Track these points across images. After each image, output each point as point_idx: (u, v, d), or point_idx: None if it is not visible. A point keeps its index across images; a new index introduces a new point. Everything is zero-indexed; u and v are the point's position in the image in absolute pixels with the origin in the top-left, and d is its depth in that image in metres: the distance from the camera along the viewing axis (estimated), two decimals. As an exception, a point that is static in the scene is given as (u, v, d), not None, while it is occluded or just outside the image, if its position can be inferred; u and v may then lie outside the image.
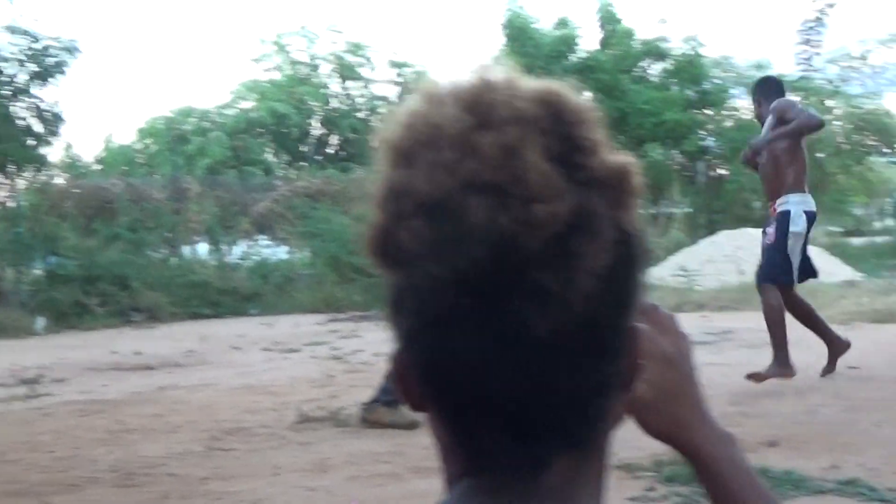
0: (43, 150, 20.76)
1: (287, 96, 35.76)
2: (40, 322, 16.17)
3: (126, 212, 19.56)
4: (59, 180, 22.09)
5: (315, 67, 37.83)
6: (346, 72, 37.38)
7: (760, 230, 9.20)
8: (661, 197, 28.56)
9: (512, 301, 0.81)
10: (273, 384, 9.36)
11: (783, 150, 8.65)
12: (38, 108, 20.14)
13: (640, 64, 31.29)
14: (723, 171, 29.91)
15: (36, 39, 19.99)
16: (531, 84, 0.87)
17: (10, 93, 19.86)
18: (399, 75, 37.83)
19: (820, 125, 8.97)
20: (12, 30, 19.92)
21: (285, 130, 35.27)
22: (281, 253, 22.52)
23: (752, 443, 6.16)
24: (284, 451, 6.51)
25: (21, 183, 20.39)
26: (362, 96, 37.84)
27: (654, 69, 31.61)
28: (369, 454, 6.28)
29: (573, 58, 30.42)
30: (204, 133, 33.77)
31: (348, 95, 37.83)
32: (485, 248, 0.80)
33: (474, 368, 0.83)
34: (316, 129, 36.96)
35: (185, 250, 20.79)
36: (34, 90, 20.04)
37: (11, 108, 19.72)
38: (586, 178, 0.83)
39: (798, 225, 8.50)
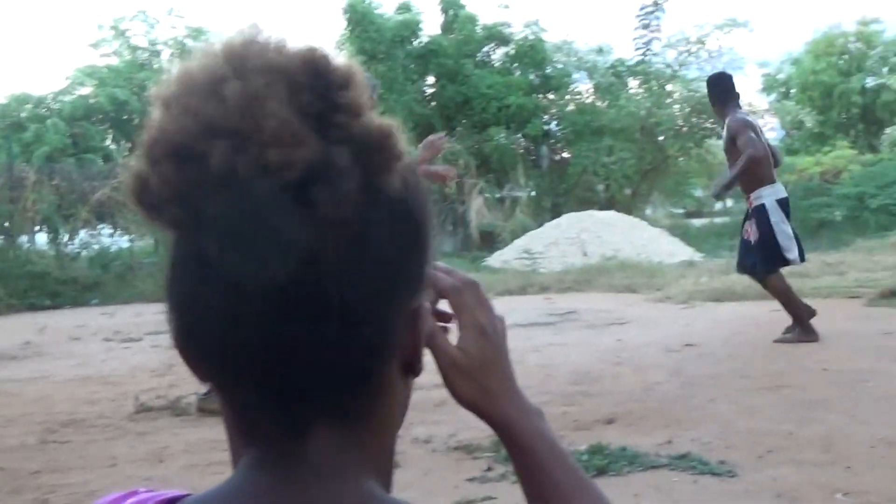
0: None
1: (127, 82, 35.14)
2: None
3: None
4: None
5: (156, 53, 37.26)
6: (188, 57, 36.83)
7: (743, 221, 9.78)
8: (505, 180, 28.85)
9: (249, 246, 0.81)
10: (112, 374, 9.22)
11: (736, 151, 9.42)
12: None
13: (483, 49, 31.55)
14: (566, 155, 30.33)
15: None
16: (298, 46, 0.88)
17: None
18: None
19: (758, 160, 9.44)
20: None
21: (126, 117, 34.65)
22: (122, 241, 22.15)
23: (589, 421, 6.30)
24: (121, 441, 6.42)
25: None
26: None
27: (497, 54, 31.91)
28: (207, 442, 6.23)
29: (416, 43, 30.50)
30: (41, 120, 32.98)
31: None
32: (223, 191, 0.80)
33: (218, 322, 0.84)
34: (158, 115, 36.40)
35: (23, 240, 20.30)
36: None
37: None
38: (341, 136, 0.84)
39: (776, 214, 9.32)
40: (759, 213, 9.38)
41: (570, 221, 22.62)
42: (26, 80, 70.26)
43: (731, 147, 9.47)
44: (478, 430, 6.18)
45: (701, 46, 32.11)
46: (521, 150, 29.93)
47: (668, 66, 31.74)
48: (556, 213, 26.32)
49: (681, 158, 31.59)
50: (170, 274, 0.87)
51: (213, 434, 6.44)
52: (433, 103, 30.51)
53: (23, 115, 33.86)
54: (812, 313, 9.32)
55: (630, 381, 7.68)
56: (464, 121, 29.96)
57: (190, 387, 7.99)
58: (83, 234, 21.47)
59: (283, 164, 0.81)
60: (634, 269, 17.45)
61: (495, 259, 21.52)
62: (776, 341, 9.25)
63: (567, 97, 31.37)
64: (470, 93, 29.55)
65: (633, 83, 31.82)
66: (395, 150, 0.87)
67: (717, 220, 31.16)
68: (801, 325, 9.23)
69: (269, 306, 0.82)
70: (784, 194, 9.61)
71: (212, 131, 0.82)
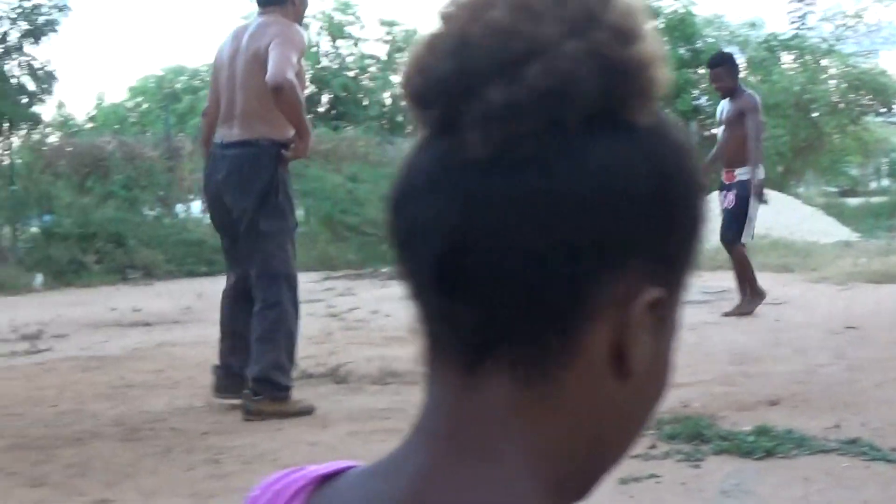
0: (36, 109, 20.72)
1: (279, 55, 35.62)
2: (38, 279, 16.21)
3: (119, 170, 19.53)
4: (53, 139, 22.05)
5: (305, 26, 37.66)
6: (336, 31, 37.23)
7: (720, 192, 10.51)
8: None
9: (462, 111, 0.78)
10: (271, 341, 9.39)
11: (741, 126, 10.07)
12: (30, 66, 20.08)
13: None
14: (716, 131, 29.91)
15: (26, -3, 19.92)
16: None
17: (3, 51, 19.80)
18: (388, 34, 37.71)
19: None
20: (3, -11, 19.85)
21: (277, 89, 35.14)
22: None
23: (751, 402, 6.23)
24: (285, 406, 6.55)
25: (15, 141, 20.36)
26: (352, 55, 37.71)
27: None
28: (369, 410, 6.33)
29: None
30: (195, 91, 33.65)
31: (338, 54, 37.70)
32: (453, 53, 0.79)
33: (420, 193, 0.80)
34: (306, 87, 36.87)
35: (179, 209, 20.79)
36: (26, 48, 19.99)
37: (4, 67, 19.66)
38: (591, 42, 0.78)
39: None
40: (741, 188, 10.15)
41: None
42: (181, 52, 71.81)
43: (735, 119, 10.05)
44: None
45: (859, 20, 31.31)
46: (671, 126, 29.59)
47: (824, 40, 30.99)
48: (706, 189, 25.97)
49: (836, 136, 30.89)
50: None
51: (374, 402, 6.55)
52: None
53: (177, 86, 34.61)
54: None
55: (792, 362, 7.57)
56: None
57: (348, 355, 8.13)
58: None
59: (509, 30, 0.77)
60: (788, 249, 17.13)
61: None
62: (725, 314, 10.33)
63: (718, 72, 30.90)
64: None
65: (786, 58, 31.20)
66: (651, 85, 0.79)
67: (874, 199, 30.41)
68: (751, 291, 10.37)
69: (471, 179, 0.78)
70: (763, 176, 10.39)
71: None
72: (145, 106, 34.86)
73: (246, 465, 5.16)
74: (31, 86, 20.11)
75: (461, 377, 0.79)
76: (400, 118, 35.74)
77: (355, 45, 37.62)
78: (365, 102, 35.66)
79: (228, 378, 6.44)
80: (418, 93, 0.81)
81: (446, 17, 0.81)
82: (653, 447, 5.29)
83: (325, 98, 36.44)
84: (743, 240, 10.36)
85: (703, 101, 30.57)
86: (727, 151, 10.28)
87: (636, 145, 0.79)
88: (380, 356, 8.18)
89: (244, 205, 6.28)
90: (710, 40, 31.14)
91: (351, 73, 36.59)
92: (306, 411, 6.25)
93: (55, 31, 20.04)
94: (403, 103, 0.85)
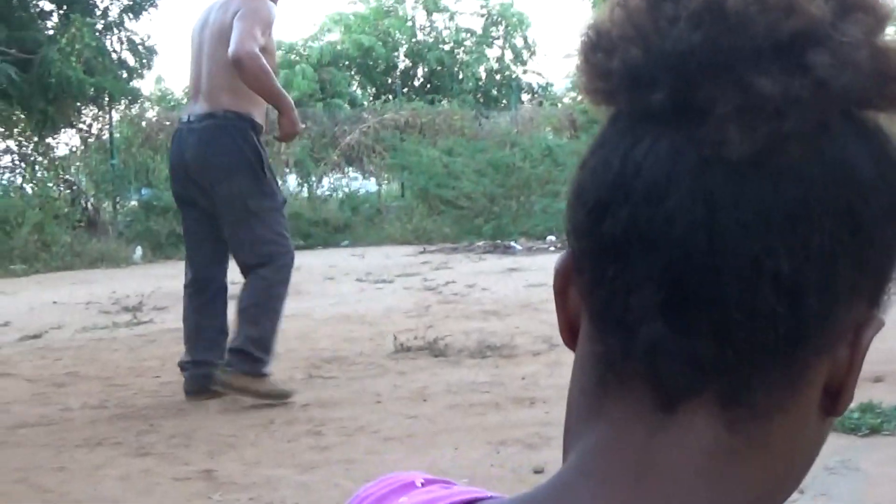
0: (135, 84, 20.99)
1: (372, 29, 35.70)
2: (138, 252, 16.46)
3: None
4: (151, 113, 22.31)
5: (401, 0, 37.70)
6: (431, 4, 37.20)
7: None
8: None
9: (713, 99, 0.63)
10: (368, 314, 9.45)
11: None
12: (130, 41, 20.34)
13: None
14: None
15: (128, -27, 20.16)
16: None
17: (103, 26, 20.07)
18: (484, 7, 37.58)
19: None
20: (105, -37, 20.12)
21: (371, 63, 35.22)
22: (370, 185, 22.63)
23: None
24: (383, 379, 6.58)
25: (115, 116, 20.63)
26: (447, 28, 37.65)
27: None
28: (468, 384, 6.32)
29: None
30: (290, 66, 33.81)
31: (433, 28, 37.67)
32: (699, 23, 0.64)
33: (647, 194, 0.65)
34: (402, 61, 36.89)
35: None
36: (127, 24, 20.24)
37: (105, 42, 19.93)
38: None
39: None
40: None
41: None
42: (278, 27, 72.27)
43: None
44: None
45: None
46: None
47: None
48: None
49: None
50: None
51: (473, 376, 6.54)
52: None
53: (274, 60, 34.82)
54: None
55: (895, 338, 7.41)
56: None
57: (446, 328, 8.14)
58: (334, 177, 22.05)
59: (786, 3, 0.63)
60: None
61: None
62: None
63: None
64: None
65: None
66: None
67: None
68: None
69: (726, 180, 0.64)
70: None
71: None
72: (242, 80, 35.17)
73: (347, 437, 5.18)
74: (130, 61, 20.38)
75: (655, 415, 0.67)
76: (494, 92, 35.67)
77: (451, 18, 37.56)
78: (460, 76, 35.62)
79: (198, 379, 6.03)
80: (634, 67, 0.66)
81: None
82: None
83: (420, 72, 36.46)
84: None
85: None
86: None
87: (883, 154, 0.68)
88: (478, 330, 8.18)
89: (229, 186, 5.93)
90: None
91: (446, 47, 36.54)
92: (281, 395, 5.94)
93: (155, 6, 20.28)
94: (587, 76, 0.69)
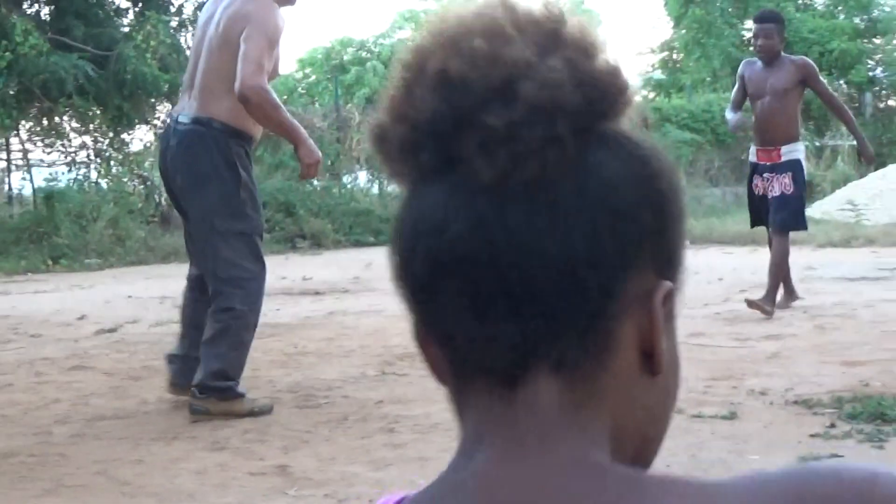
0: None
1: (444, 25, 35.75)
2: (210, 247, 16.55)
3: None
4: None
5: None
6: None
7: (756, 174, 9.04)
8: (826, 129, 27.92)
9: (460, 145, 0.82)
10: (440, 311, 9.44)
11: (796, 97, 8.86)
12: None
13: (806, -9, 30.49)
14: (892, 103, 29.03)
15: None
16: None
17: (178, 23, 20.25)
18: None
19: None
20: (180, -39, 20.29)
21: (442, 60, 35.28)
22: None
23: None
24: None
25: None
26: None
27: (821, -4, 30.80)
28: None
29: (735, -15, 29.73)
30: (362, 63, 33.94)
31: (505, 25, 37.63)
32: (436, 93, 0.83)
33: (432, 231, 0.84)
34: (279, 75, 36.84)
35: (347, 179, 21.06)
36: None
37: (179, 39, 20.10)
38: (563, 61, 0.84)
39: (805, 172, 9.04)
40: (797, 169, 8.77)
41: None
42: (350, 24, 72.53)
43: (790, 88, 8.70)
44: (815, 384, 6.04)
45: None
46: (844, 98, 28.84)
47: None
48: (880, 163, 25.27)
49: None
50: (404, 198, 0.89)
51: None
52: (752, 48, 29.68)
53: (345, 57, 34.96)
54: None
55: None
56: (783, 66, 29.07)
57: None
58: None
59: (491, 57, 0.82)
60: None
61: (815, 210, 20.82)
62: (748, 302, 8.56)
63: (895, 42, 29.97)
64: (791, 37, 28.53)
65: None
66: (624, 92, 0.86)
67: None
68: (771, 293, 8.64)
69: (485, 206, 0.82)
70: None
71: (441, 46, 0.86)
72: (313, 77, 35.26)
73: (421, 434, 5.19)
74: (204, 57, 20.51)
75: (502, 393, 0.85)
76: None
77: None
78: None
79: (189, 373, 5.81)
80: (404, 141, 0.85)
81: (417, 59, 0.86)
82: (832, 426, 5.16)
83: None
84: (807, 227, 9.34)
85: (879, 71, 29.66)
86: (772, 125, 8.77)
87: (624, 153, 0.86)
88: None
89: (199, 200, 5.71)
90: (886, 9, 30.21)
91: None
92: (263, 411, 5.67)
93: (229, 3, 20.40)
94: (381, 160, 0.89)
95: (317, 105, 26.58)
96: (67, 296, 11.46)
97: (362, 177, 21.72)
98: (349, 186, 20.76)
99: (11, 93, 17.75)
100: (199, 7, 19.85)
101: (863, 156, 9.36)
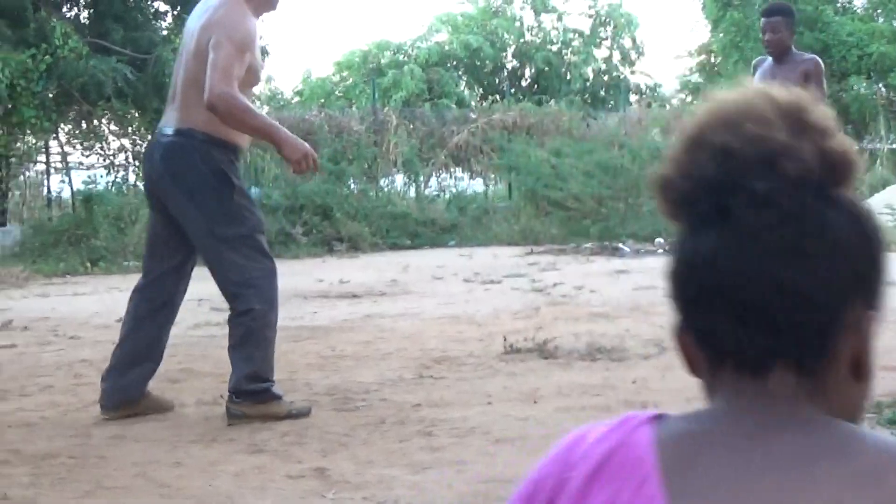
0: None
1: (480, 29, 35.72)
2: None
3: (327, 143, 19.86)
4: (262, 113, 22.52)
5: (509, 0, 37.68)
6: (540, 5, 37.12)
7: None
8: (864, 132, 27.73)
9: (731, 201, 1.14)
10: (477, 314, 9.45)
11: None
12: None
13: (845, -6, 30.28)
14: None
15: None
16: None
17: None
18: (592, 8, 37.42)
19: None
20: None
21: (479, 63, 35.25)
22: (477, 186, 22.64)
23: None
24: (494, 380, 6.57)
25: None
26: (555, 29, 37.55)
27: (860, 0, 30.54)
28: (579, 386, 6.29)
29: (775, -11, 29.48)
30: (399, 66, 33.97)
31: (542, 28, 37.59)
32: (715, 161, 1.16)
33: (705, 263, 1.16)
34: (509, 62, 36.87)
35: (384, 182, 21.07)
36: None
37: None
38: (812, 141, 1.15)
39: None
40: None
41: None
42: (387, 27, 72.67)
43: (802, 87, 8.24)
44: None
45: None
46: (883, 101, 28.60)
47: None
48: (920, 167, 25.06)
49: None
50: (681, 236, 1.21)
51: (584, 378, 6.51)
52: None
53: (382, 61, 34.99)
54: None
55: None
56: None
57: (555, 330, 8.11)
58: (441, 177, 22.12)
59: (759, 138, 1.14)
60: None
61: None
62: None
63: (936, 46, 29.71)
64: (829, 40, 28.41)
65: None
66: (854, 166, 1.18)
67: None
68: None
69: (749, 248, 1.14)
70: None
71: (710, 129, 1.19)
72: (350, 80, 35.29)
73: (458, 438, 5.18)
74: (242, 61, 20.58)
75: (750, 381, 1.16)
76: (602, 93, 35.48)
77: (559, 19, 37.44)
78: (568, 77, 35.50)
79: (116, 392, 5.75)
80: (687, 194, 1.18)
81: (699, 133, 1.19)
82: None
83: (528, 72, 36.42)
84: None
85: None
86: None
87: (851, 214, 1.16)
88: (587, 332, 8.14)
89: (194, 212, 5.63)
90: (928, 12, 29.94)
91: (554, 48, 36.44)
92: (301, 414, 5.68)
93: (268, 6, 20.47)
94: (661, 203, 1.23)
95: (354, 108, 26.58)
96: (106, 298, 11.51)
97: (399, 180, 21.73)
98: (386, 189, 20.77)
99: (51, 95, 17.87)
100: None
101: None
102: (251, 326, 5.63)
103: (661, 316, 8.75)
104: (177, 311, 5.99)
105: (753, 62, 8.97)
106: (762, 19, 8.64)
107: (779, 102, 1.17)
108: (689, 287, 1.18)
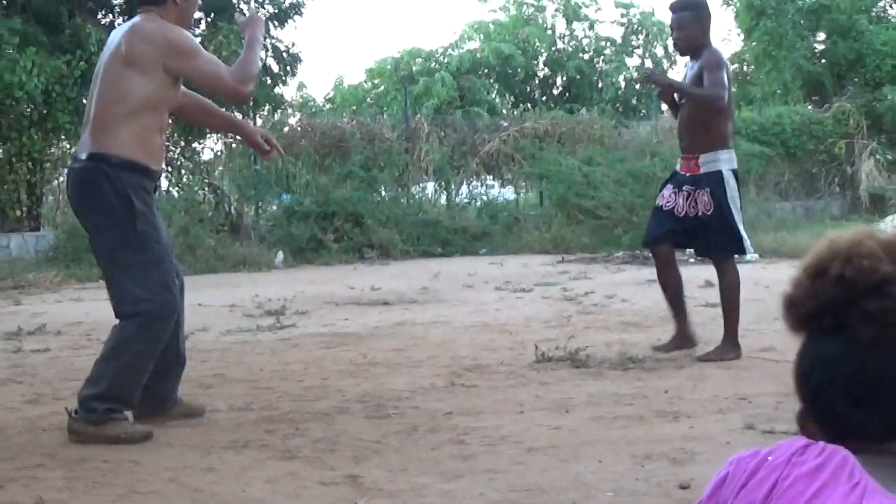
0: (279, 90, 21.28)
1: (512, 37, 35.74)
2: (280, 256, 16.71)
3: (358, 150, 19.91)
4: (293, 119, 22.61)
5: (541, 8, 37.68)
6: (572, 12, 37.11)
7: (669, 186, 7.57)
8: (899, 142, 27.58)
9: (848, 318, 1.50)
10: (508, 323, 9.45)
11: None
12: (275, 48, 20.65)
13: (879, 3, 30.11)
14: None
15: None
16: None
17: (249, 33, 20.39)
18: (624, 16, 37.39)
19: (720, 108, 7.27)
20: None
21: (510, 71, 35.26)
22: (508, 194, 22.65)
23: None
24: (525, 389, 6.55)
25: (258, 122, 20.98)
26: (587, 37, 37.53)
27: (895, 8, 30.37)
28: (610, 395, 6.27)
29: (807, -1, 29.41)
30: (430, 73, 34.02)
31: (573, 36, 37.57)
32: (836, 287, 1.51)
33: (825, 366, 1.52)
34: (541, 70, 36.87)
35: (415, 189, 21.11)
36: (272, 30, 20.56)
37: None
38: None
39: (732, 188, 7.29)
40: (716, 183, 7.25)
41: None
42: (419, 35, 72.71)
43: (699, 85, 7.27)
44: None
45: None
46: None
47: None
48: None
49: None
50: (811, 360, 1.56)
51: (615, 387, 6.49)
52: (823, 60, 29.43)
53: (414, 68, 35.06)
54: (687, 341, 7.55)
55: None
56: (855, 79, 28.76)
57: (587, 339, 8.09)
58: (472, 184, 22.13)
59: (871, 270, 1.48)
60: None
61: (887, 224, 20.61)
62: (700, 359, 7.30)
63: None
64: (863, 49, 28.28)
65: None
66: None
67: None
68: (729, 336, 7.39)
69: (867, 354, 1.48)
70: (736, 166, 7.46)
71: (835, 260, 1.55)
72: (382, 88, 35.38)
73: (490, 447, 5.17)
74: (275, 68, 20.69)
75: (871, 448, 1.48)
76: (634, 101, 35.41)
77: (591, 27, 37.44)
78: (599, 85, 35.48)
79: (152, 401, 5.73)
80: (812, 312, 1.53)
81: (821, 263, 1.53)
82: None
83: (559, 81, 36.41)
84: (746, 245, 7.43)
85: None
86: (689, 131, 7.43)
87: None
88: (619, 341, 8.12)
89: (98, 237, 5.56)
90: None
91: (586, 56, 36.43)
92: (135, 439, 5.38)
93: (300, 13, 20.58)
94: (787, 318, 1.59)
95: (385, 115, 26.67)
96: (139, 303, 11.54)
97: (430, 187, 21.76)
98: (417, 197, 20.80)
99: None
100: (271, 17, 20.04)
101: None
102: (122, 349, 5.46)
103: (694, 326, 8.74)
104: (181, 313, 5.81)
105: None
106: (672, 15, 7.57)
107: (883, 241, 1.52)
108: (813, 382, 1.53)
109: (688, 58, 7.63)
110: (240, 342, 8.70)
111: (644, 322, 9.31)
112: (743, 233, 7.34)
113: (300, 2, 20.48)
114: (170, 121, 6.01)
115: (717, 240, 7.33)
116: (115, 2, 20.06)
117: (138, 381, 5.51)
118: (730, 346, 7.36)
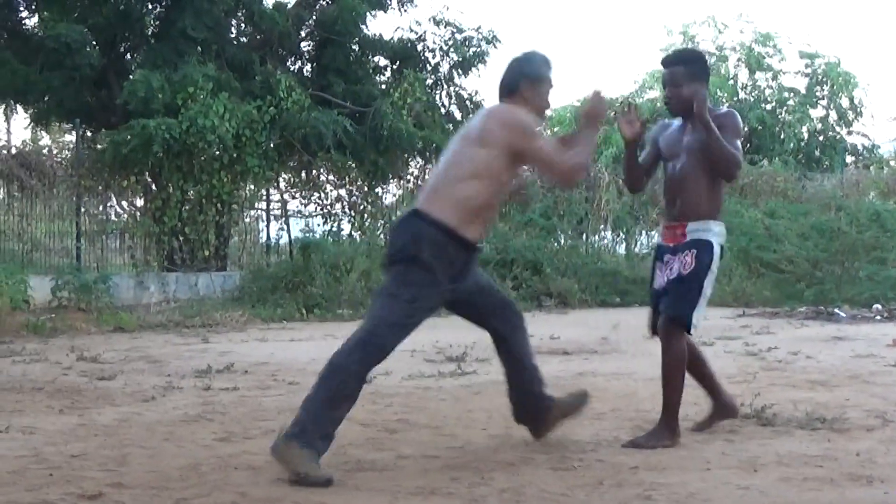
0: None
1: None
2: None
3: (538, 198, 20.00)
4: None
5: (723, 58, 37.31)
6: (755, 63, 36.65)
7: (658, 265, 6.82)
8: None
9: None
10: (690, 378, 9.31)
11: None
12: (458, 96, 20.91)
13: None
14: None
15: (459, 30, 20.77)
16: None
17: (434, 81, 20.72)
18: (808, 66, 36.76)
19: (734, 177, 6.63)
20: (437, 21, 20.80)
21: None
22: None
23: None
24: (711, 446, 6.46)
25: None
26: (770, 87, 37.01)
27: None
28: (800, 456, 6.14)
29: None
30: (610, 122, 33.96)
31: (756, 86, 37.10)
32: None
33: None
34: (723, 120, 36.48)
35: (595, 238, 21.09)
36: (455, 79, 20.84)
37: (434, 96, 20.56)
38: None
39: (716, 262, 6.62)
40: (703, 248, 6.50)
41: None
42: (599, 83, 72.81)
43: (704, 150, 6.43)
44: None
45: None
46: None
47: None
48: None
49: None
50: None
51: (804, 448, 6.35)
52: None
53: (603, 116, 35.07)
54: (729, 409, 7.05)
55: None
56: None
57: (772, 396, 7.94)
58: (651, 234, 21.98)
59: None
60: None
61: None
62: (624, 446, 6.47)
63: None
64: None
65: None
66: None
67: None
68: (666, 418, 6.61)
69: None
70: (724, 241, 6.73)
71: None
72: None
73: (678, 503, 5.12)
74: (458, 115, 20.95)
75: None
76: (817, 153, 34.75)
77: (774, 77, 36.93)
78: (782, 136, 34.92)
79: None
80: None
81: None
82: None
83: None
84: (695, 321, 6.56)
85: None
86: (682, 194, 6.61)
87: None
88: (806, 399, 7.96)
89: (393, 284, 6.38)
90: None
91: (768, 106, 35.92)
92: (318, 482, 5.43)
93: (484, 62, 20.81)
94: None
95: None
96: (322, 345, 11.77)
97: (608, 236, 21.70)
98: (596, 246, 20.76)
99: (273, 145, 18.47)
100: (455, 66, 20.33)
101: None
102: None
103: (883, 386, 8.51)
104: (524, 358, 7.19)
105: (653, 129, 7.17)
106: (664, 70, 6.87)
107: None
108: None
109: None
110: (422, 388, 8.78)
111: (831, 381, 9.09)
112: (701, 309, 6.56)
113: (484, 51, 20.71)
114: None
115: (674, 303, 6.55)
116: (305, 49, 20.60)
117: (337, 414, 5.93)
118: (665, 430, 6.57)
